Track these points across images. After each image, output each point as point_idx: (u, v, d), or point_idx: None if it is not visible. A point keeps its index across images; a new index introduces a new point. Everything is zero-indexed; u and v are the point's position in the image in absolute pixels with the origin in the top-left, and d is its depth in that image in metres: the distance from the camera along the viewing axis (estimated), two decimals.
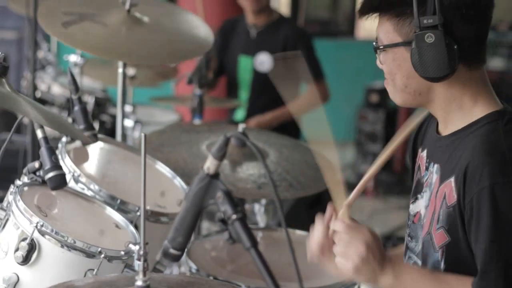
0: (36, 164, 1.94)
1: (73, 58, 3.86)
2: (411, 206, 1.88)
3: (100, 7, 2.61)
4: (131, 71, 4.15)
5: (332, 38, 8.15)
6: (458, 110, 1.74)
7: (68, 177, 2.04)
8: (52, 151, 1.93)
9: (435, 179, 1.77)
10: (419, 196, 1.85)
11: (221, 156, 1.47)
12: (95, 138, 2.27)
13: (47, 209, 1.96)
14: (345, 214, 1.74)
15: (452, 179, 1.69)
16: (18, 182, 1.93)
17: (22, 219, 1.83)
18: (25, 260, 1.80)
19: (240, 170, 2.50)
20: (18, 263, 1.81)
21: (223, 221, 1.46)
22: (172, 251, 1.50)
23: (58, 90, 4.38)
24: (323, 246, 1.74)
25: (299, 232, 2.55)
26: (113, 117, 4.27)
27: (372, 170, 1.78)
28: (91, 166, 2.36)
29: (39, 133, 1.94)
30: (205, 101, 3.59)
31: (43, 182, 1.94)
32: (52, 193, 1.99)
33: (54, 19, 2.50)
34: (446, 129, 1.79)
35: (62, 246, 1.82)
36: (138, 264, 1.53)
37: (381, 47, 1.76)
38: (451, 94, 1.73)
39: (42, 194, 1.97)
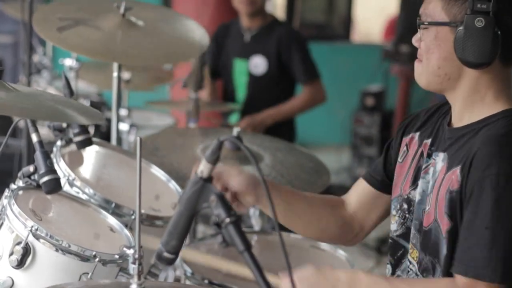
0: (31, 168, 1.94)
1: (69, 62, 3.86)
2: (412, 193, 1.87)
3: (95, 12, 2.61)
4: (126, 75, 4.15)
5: (327, 41, 8.16)
6: (479, 103, 1.76)
7: (63, 181, 2.04)
8: (47, 155, 1.93)
9: (440, 167, 1.78)
10: (418, 182, 1.85)
11: (214, 159, 1.48)
12: (90, 142, 2.27)
13: (41, 213, 1.96)
14: None
15: (459, 167, 1.70)
16: (13, 186, 1.93)
17: (16, 223, 1.83)
18: (20, 264, 1.80)
19: None
20: (12, 267, 1.81)
21: (218, 225, 1.46)
22: (166, 254, 1.51)
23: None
24: None
25: (294, 236, 2.56)
26: (108, 120, 4.26)
27: None
28: (86, 169, 2.36)
29: (34, 137, 1.94)
30: (200, 104, 3.59)
31: (38, 186, 1.94)
32: (47, 197, 1.99)
33: (49, 24, 2.51)
34: (461, 120, 1.79)
35: (56, 250, 1.82)
36: (132, 268, 1.53)
37: (426, 23, 1.77)
38: (477, 85, 1.75)
39: (37, 198, 1.97)
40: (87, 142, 2.24)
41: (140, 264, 1.52)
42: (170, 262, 1.52)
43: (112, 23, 2.57)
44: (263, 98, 4.21)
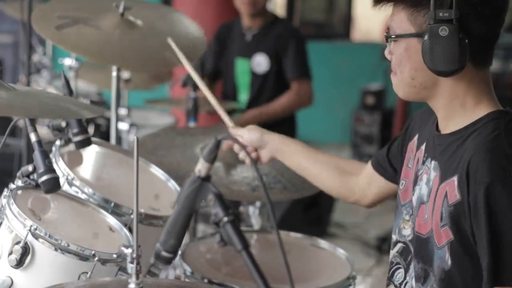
0: (30, 168, 1.94)
1: (68, 61, 3.86)
2: (413, 199, 1.87)
3: (94, 11, 2.61)
4: (125, 74, 4.15)
5: (327, 40, 8.16)
6: (460, 109, 1.75)
7: (62, 180, 2.04)
8: (45, 155, 1.94)
9: (433, 177, 1.77)
10: (416, 188, 1.85)
11: (212, 159, 1.47)
12: (89, 142, 2.27)
13: (41, 212, 1.96)
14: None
15: (455, 178, 1.69)
16: (12, 186, 1.93)
17: (15, 222, 1.83)
18: (19, 263, 1.81)
19: (234, 173, 2.50)
20: (12, 266, 1.81)
21: (217, 224, 1.46)
22: (164, 253, 1.50)
23: None
24: None
25: (293, 234, 2.56)
26: (108, 120, 4.27)
27: None
28: (85, 169, 2.36)
29: (32, 137, 1.95)
30: (199, 104, 3.59)
31: (37, 186, 1.94)
32: (46, 197, 1.99)
33: (48, 22, 2.51)
34: (446, 127, 1.79)
35: (55, 249, 1.82)
36: (131, 267, 1.53)
37: (393, 36, 1.76)
38: (455, 92, 1.74)
39: (35, 197, 1.98)
40: (86, 142, 2.24)
41: (138, 263, 1.52)
42: (169, 261, 1.52)
43: (111, 22, 2.57)
44: (267, 96, 4.22)
